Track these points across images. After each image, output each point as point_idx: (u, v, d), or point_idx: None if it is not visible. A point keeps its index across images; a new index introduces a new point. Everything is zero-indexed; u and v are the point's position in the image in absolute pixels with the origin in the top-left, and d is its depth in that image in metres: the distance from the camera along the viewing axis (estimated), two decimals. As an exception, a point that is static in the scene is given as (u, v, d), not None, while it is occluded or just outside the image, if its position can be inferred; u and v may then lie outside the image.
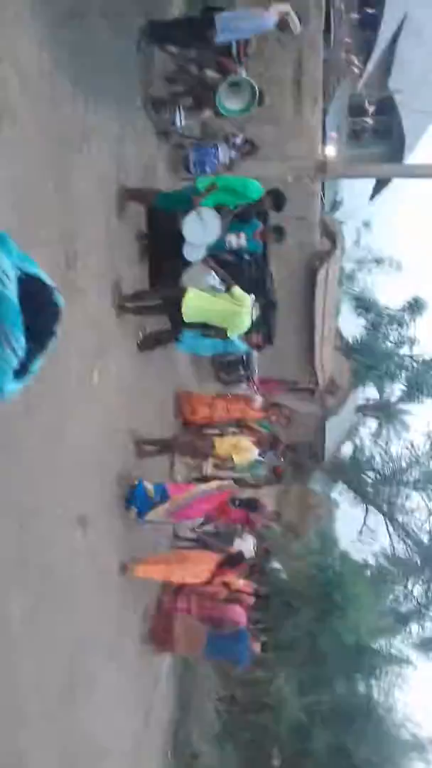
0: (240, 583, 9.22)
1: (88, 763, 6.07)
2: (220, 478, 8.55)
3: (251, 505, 10.29)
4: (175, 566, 7.84)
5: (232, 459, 8.70)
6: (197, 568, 7.99)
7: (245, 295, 7.12)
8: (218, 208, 7.45)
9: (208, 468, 8.71)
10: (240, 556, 8.69)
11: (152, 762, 9.08)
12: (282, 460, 10.01)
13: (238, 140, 9.67)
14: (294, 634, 13.84)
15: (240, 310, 7.07)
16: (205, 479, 8.86)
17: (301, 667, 14.67)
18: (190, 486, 8.08)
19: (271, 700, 13.57)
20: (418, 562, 24.78)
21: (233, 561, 8.49)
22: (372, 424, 32.37)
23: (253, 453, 8.28)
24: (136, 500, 7.08)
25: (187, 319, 7.04)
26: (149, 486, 7.17)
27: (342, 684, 16.01)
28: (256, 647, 8.72)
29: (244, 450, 8.32)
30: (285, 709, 13.69)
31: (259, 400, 8.51)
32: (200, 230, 7.26)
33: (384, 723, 17.23)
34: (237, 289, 7.12)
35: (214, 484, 8.05)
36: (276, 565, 12.74)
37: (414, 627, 23.75)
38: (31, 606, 4.72)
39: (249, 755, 14.53)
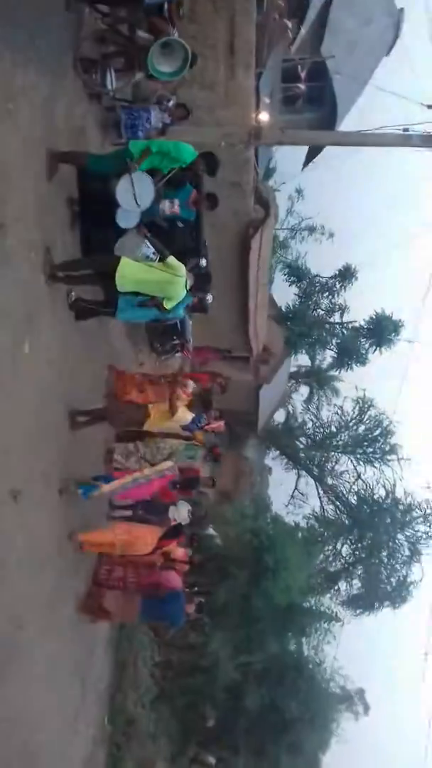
0: (179, 552, 9.37)
1: (24, 734, 6.08)
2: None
3: (191, 484, 10.41)
4: (120, 539, 8.06)
5: (163, 449, 8.77)
6: (141, 542, 8.19)
7: (180, 263, 7.05)
8: (151, 172, 7.31)
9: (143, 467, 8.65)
10: (179, 527, 8.83)
11: (89, 729, 9.17)
12: (215, 420, 9.99)
13: (171, 104, 9.47)
14: (228, 597, 14.26)
15: (175, 279, 7.01)
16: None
17: (235, 629, 15.13)
18: (133, 472, 8.43)
19: (205, 662, 13.91)
20: (347, 522, 25.66)
21: (174, 532, 8.68)
22: (304, 391, 33.08)
23: (187, 417, 8.23)
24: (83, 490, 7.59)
25: (121, 289, 6.92)
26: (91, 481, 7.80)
27: (274, 643, 16.61)
28: (191, 608, 8.87)
29: (178, 420, 8.29)
30: (219, 670, 14.07)
31: (191, 385, 8.53)
32: (132, 196, 7.11)
33: (314, 678, 17.98)
34: (172, 258, 7.04)
35: (156, 468, 8.44)
36: (210, 531, 12.93)
37: (342, 585, 24.73)
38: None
39: (185, 718, 14.88)
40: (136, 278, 6.87)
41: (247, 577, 14.32)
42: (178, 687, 13.94)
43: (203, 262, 8.49)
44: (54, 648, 6.98)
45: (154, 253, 7.32)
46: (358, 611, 23.93)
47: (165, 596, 7.92)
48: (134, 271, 6.89)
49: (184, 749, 15.23)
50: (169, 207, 8.04)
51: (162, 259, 7.09)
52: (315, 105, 19.78)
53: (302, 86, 18.54)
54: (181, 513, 9.24)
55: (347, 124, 20.49)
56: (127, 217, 7.32)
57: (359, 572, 24.61)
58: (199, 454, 10.43)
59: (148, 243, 7.27)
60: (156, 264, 7.14)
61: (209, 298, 8.18)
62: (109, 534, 8.09)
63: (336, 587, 24.57)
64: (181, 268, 7.05)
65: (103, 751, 10.09)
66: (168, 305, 7.12)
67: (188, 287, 7.29)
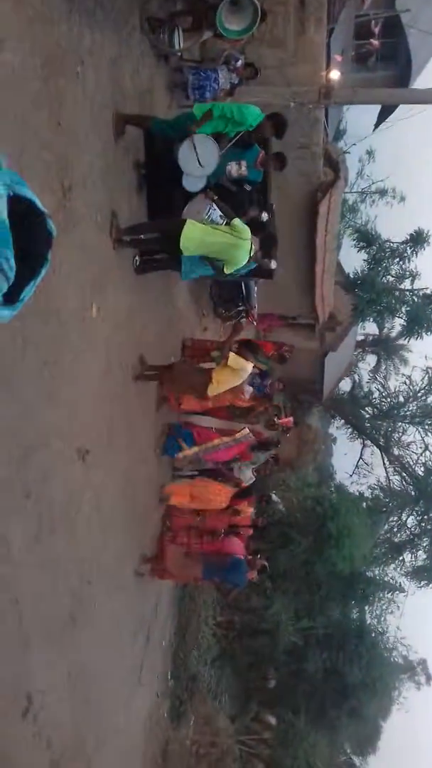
0: (249, 510, 9.60)
1: (90, 685, 6.33)
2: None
3: (267, 446, 10.57)
4: (198, 490, 8.68)
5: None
6: (215, 496, 8.62)
7: (245, 227, 6.95)
8: (216, 136, 7.22)
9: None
10: (250, 488, 9.14)
11: (153, 683, 9.47)
12: (279, 392, 10.06)
13: (239, 64, 9.30)
14: (291, 563, 14.39)
15: (240, 242, 6.90)
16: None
17: (296, 594, 15.28)
18: (213, 435, 8.92)
19: (267, 625, 14.08)
20: (413, 493, 25.25)
21: (246, 492, 9.10)
22: (371, 359, 32.49)
23: (246, 366, 8.17)
24: (166, 447, 8.43)
25: (185, 252, 6.88)
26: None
27: (336, 610, 16.71)
28: (253, 575, 9.00)
29: (237, 372, 8.28)
30: (280, 633, 14.23)
31: (248, 391, 8.70)
32: (195, 159, 7.04)
33: (376, 647, 17.98)
34: (237, 221, 6.94)
35: (236, 435, 8.87)
36: (274, 497, 13.02)
37: (407, 556, 24.48)
38: (34, 534, 4.82)
39: (246, 677, 15.17)
40: (200, 240, 6.81)
41: (309, 544, 14.45)
42: (240, 647, 14.23)
43: (264, 216, 8.31)
44: (120, 604, 7.20)
45: (221, 216, 7.24)
46: (422, 583, 23.70)
47: (228, 563, 8.06)
48: (199, 233, 6.83)
49: (245, 707, 15.57)
50: (237, 169, 7.93)
51: (228, 222, 7.05)
52: (388, 62, 19.09)
53: (375, 42, 17.87)
54: (245, 474, 9.33)
55: (422, 81, 19.71)
56: (194, 181, 7.27)
57: (425, 544, 24.29)
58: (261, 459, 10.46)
59: (215, 206, 7.21)
60: (221, 227, 7.08)
61: (273, 264, 8.05)
62: (188, 486, 8.65)
63: (401, 558, 24.34)
64: (246, 231, 6.94)
65: (166, 704, 10.42)
66: (228, 270, 7.05)
67: (252, 252, 7.21)
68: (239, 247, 6.92)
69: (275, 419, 9.58)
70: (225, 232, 6.90)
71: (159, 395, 8.59)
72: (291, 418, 10.37)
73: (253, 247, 7.03)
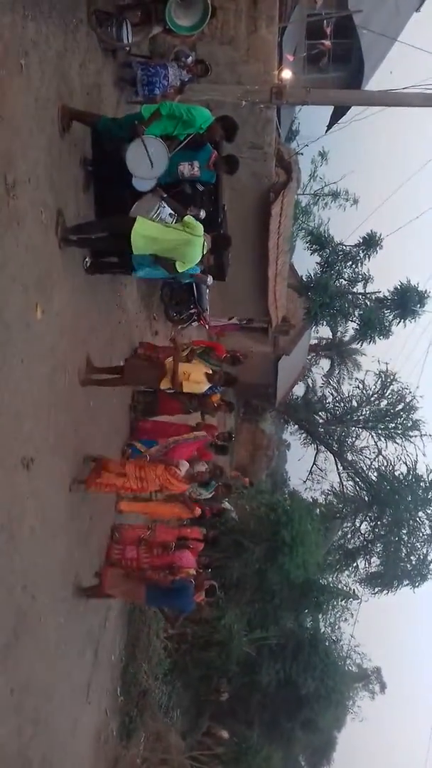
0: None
1: (35, 704, 6.21)
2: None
3: (224, 450, 10.71)
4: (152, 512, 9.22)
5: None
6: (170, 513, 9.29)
7: (198, 224, 6.99)
8: (166, 138, 7.21)
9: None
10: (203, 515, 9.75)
11: (102, 699, 9.36)
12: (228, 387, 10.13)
13: (190, 60, 9.32)
14: (243, 572, 14.51)
15: (193, 239, 6.93)
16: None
17: (249, 604, 15.41)
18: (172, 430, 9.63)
19: (220, 636, 14.07)
20: (367, 499, 25.64)
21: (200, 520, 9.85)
22: (325, 364, 32.93)
23: (204, 386, 8.35)
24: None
25: (136, 251, 6.88)
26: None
27: (289, 619, 16.85)
28: (200, 597, 9.01)
29: (194, 382, 8.39)
30: (234, 644, 14.24)
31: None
32: (145, 161, 7.02)
33: (330, 656, 18.17)
34: (190, 218, 6.98)
35: (195, 433, 9.42)
36: (226, 504, 13.03)
37: (361, 562, 24.81)
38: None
39: (198, 691, 15.12)
40: (152, 237, 6.80)
41: (262, 552, 14.57)
42: (191, 660, 14.16)
43: (202, 213, 8.31)
44: (66, 618, 7.10)
45: (171, 215, 7.26)
46: (376, 589, 24.04)
47: (173, 588, 8.03)
48: (150, 230, 6.83)
49: (197, 722, 15.53)
50: (189, 169, 7.94)
51: (179, 220, 7.03)
52: (341, 63, 19.39)
53: (328, 43, 18.12)
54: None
55: (375, 83, 20.13)
56: (144, 182, 7.24)
57: (378, 550, 24.65)
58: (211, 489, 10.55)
59: (165, 203, 7.21)
60: (173, 224, 7.07)
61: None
62: (142, 505, 9.20)
63: (354, 564, 24.66)
64: (199, 228, 6.98)
65: (115, 721, 10.31)
66: (181, 268, 7.04)
67: (205, 250, 7.22)
68: (192, 244, 6.95)
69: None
70: (177, 230, 6.93)
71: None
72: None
73: (205, 244, 7.08)
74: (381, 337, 22.18)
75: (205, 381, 8.39)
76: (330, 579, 21.71)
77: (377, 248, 21.70)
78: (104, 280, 8.01)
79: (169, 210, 7.27)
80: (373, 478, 26.20)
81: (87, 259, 7.32)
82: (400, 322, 21.97)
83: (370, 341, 22.71)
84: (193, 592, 8.26)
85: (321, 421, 30.35)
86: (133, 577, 8.08)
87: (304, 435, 31.22)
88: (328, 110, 21.41)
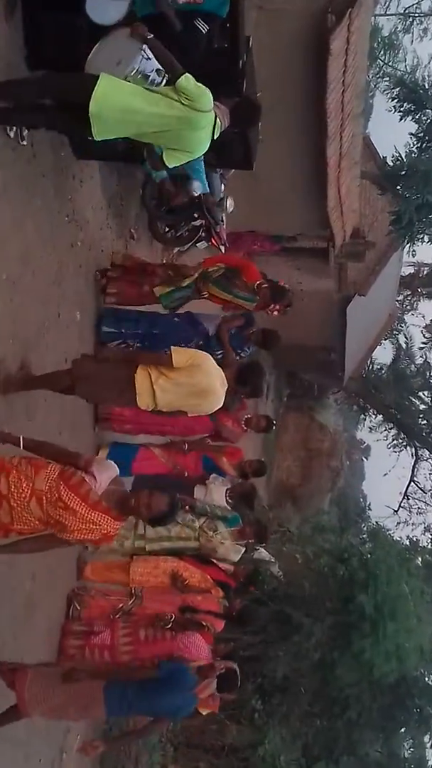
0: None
1: None
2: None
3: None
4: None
5: None
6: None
7: (204, 89, 4.66)
8: None
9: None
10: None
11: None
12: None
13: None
14: (294, 666, 9.78)
15: (196, 115, 4.69)
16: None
17: (305, 719, 10.34)
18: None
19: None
20: None
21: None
22: (427, 309, 23.49)
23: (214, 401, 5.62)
24: None
25: (99, 134, 4.61)
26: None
27: (375, 744, 11.21)
28: (207, 693, 5.56)
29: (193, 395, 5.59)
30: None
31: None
32: None
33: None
34: (187, 80, 4.60)
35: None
36: (263, 554, 9.57)
37: None
38: None
39: None
40: (125, 109, 4.59)
41: (325, 633, 9.20)
42: None
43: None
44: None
45: (158, 70, 4.85)
46: None
47: (153, 679, 5.24)
48: (123, 96, 4.57)
49: None
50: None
51: (172, 81, 4.67)
52: None
53: None
54: (216, 493, 6.95)
55: None
56: (105, 6, 4.80)
57: None
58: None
59: (147, 51, 4.76)
60: (161, 88, 4.78)
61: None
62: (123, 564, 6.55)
63: None
64: (205, 96, 4.67)
65: None
66: (170, 161, 4.95)
67: (220, 129, 4.88)
68: (194, 123, 4.75)
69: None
70: (169, 97, 4.66)
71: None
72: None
73: (219, 122, 4.88)
74: None
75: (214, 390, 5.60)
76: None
77: None
78: (46, 170, 5.56)
79: (155, 63, 4.79)
80: None
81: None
82: None
83: None
84: (192, 683, 5.34)
85: (422, 407, 21.14)
86: (73, 677, 5.29)
87: (393, 432, 21.61)
88: None
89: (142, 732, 5.84)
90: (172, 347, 5.39)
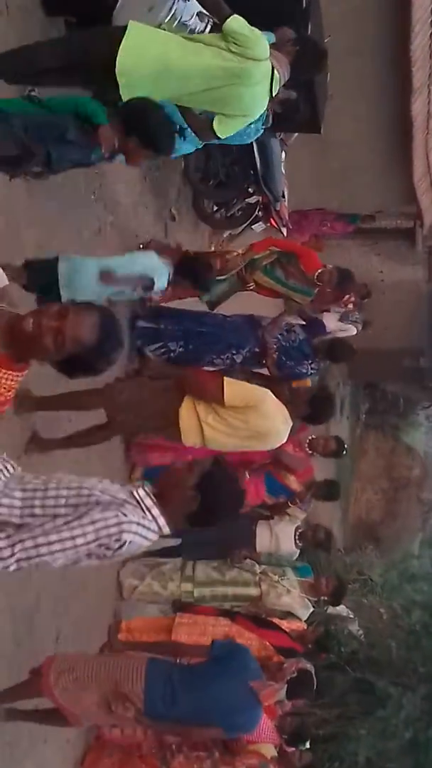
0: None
1: None
2: None
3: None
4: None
5: None
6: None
7: (257, 33, 3.91)
8: None
9: None
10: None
11: None
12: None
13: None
14: (377, 747, 8.09)
15: (248, 67, 3.91)
16: None
17: None
18: None
19: None
20: None
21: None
22: None
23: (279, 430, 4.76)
24: None
25: (127, 91, 3.86)
26: None
27: None
28: (271, 695, 4.94)
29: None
30: None
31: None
32: None
33: None
34: (236, 20, 3.87)
35: None
36: (339, 608, 7.82)
37: None
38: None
39: None
40: (160, 62, 3.87)
41: (418, 706, 8.03)
42: None
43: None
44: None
45: (199, 14, 4.32)
46: None
47: (206, 660, 4.28)
48: (157, 47, 3.89)
49: None
50: None
51: (217, 25, 3.99)
52: None
53: None
54: (283, 535, 6.04)
55: None
56: None
57: None
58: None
59: None
60: (204, 36, 4.18)
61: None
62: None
63: None
64: (260, 42, 3.91)
65: None
66: (222, 128, 4.14)
67: (279, 84, 4.07)
68: (247, 76, 3.94)
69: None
70: (214, 47, 3.92)
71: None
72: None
73: (277, 74, 4.04)
74: None
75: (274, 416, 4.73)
76: None
77: None
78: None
79: (194, 5, 4.24)
80: None
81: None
82: None
83: None
84: (256, 672, 4.27)
85: None
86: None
87: None
88: None
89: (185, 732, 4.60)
90: (225, 379, 4.58)
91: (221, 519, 2.86)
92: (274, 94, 4.09)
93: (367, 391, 18.04)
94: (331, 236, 11.30)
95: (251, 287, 6.11)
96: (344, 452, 6.62)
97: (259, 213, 7.74)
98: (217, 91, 3.95)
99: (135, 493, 2.65)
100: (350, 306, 7.16)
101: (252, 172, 7.04)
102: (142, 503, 2.64)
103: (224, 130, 4.14)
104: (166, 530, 2.66)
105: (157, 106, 3.70)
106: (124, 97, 3.86)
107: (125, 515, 2.54)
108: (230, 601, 5.93)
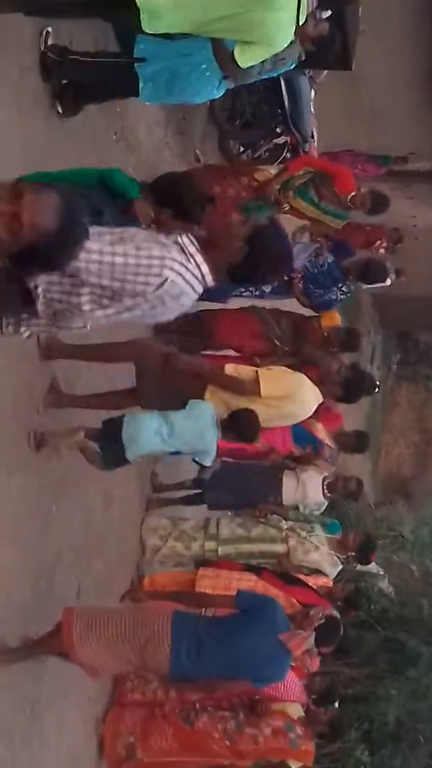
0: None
1: None
2: None
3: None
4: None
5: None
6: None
7: None
8: None
9: None
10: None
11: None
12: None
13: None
14: (408, 707, 7.90)
15: None
16: None
17: None
18: None
19: None
20: None
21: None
22: None
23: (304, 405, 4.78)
24: None
25: (149, 27, 3.73)
26: None
27: None
28: (304, 655, 4.81)
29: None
30: None
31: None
32: None
33: None
34: None
35: None
36: (369, 565, 7.22)
37: None
38: None
39: None
40: None
41: None
42: None
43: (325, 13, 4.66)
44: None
45: None
46: None
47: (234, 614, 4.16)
48: None
49: None
50: None
51: None
52: None
53: None
54: (311, 484, 5.77)
55: None
56: None
57: None
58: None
59: None
60: None
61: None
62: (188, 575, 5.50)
63: None
64: None
65: None
66: (243, 57, 3.93)
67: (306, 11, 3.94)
68: (270, 1, 3.75)
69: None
70: None
71: None
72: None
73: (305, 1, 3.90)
74: None
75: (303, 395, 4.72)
76: None
77: None
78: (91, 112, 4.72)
79: None
80: None
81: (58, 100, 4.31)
82: None
83: None
84: (284, 624, 4.18)
85: None
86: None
87: None
88: None
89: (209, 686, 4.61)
90: (259, 372, 4.50)
91: (263, 276, 3.02)
92: (301, 22, 3.86)
93: (399, 341, 17.55)
94: (361, 178, 10.89)
95: (286, 208, 5.85)
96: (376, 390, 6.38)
97: (287, 154, 7.45)
98: (239, 18, 3.76)
99: (179, 240, 2.68)
100: (381, 251, 6.83)
101: (279, 110, 6.76)
102: (186, 250, 2.66)
103: (245, 59, 3.93)
104: (209, 280, 2.69)
105: (187, 177, 3.92)
106: (145, 27, 3.69)
107: (169, 252, 2.57)
108: (256, 558, 5.74)
